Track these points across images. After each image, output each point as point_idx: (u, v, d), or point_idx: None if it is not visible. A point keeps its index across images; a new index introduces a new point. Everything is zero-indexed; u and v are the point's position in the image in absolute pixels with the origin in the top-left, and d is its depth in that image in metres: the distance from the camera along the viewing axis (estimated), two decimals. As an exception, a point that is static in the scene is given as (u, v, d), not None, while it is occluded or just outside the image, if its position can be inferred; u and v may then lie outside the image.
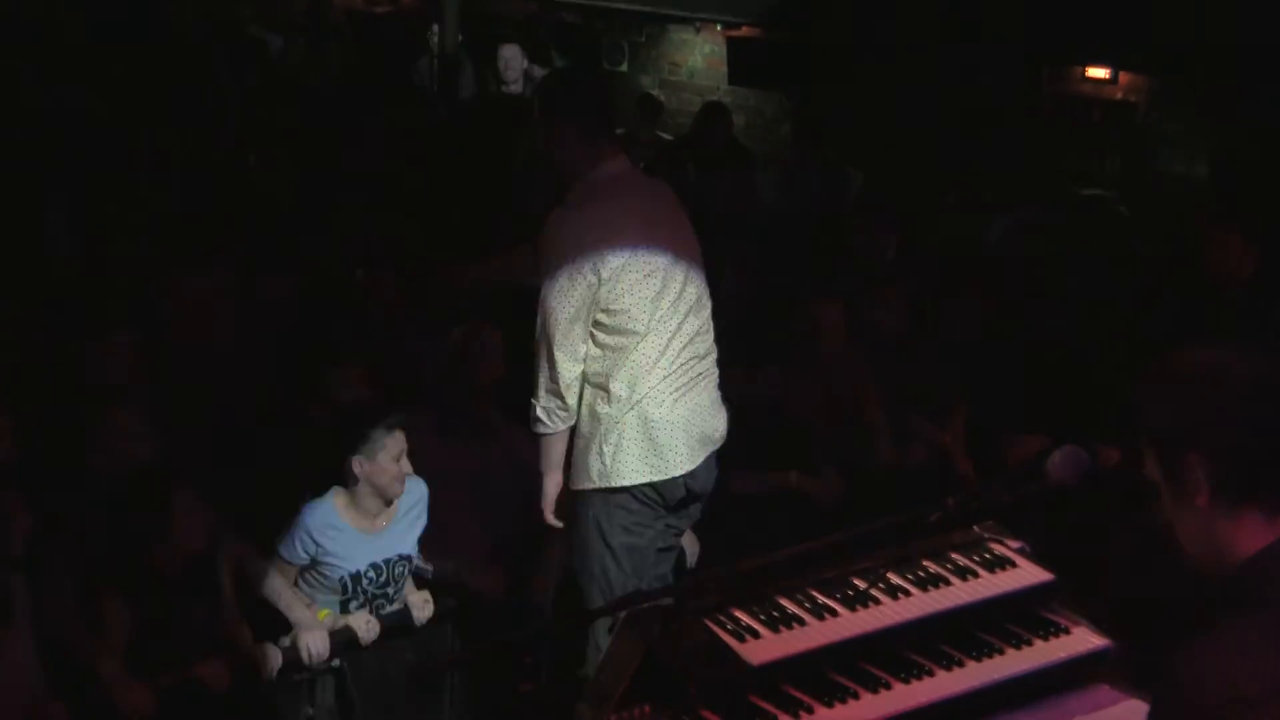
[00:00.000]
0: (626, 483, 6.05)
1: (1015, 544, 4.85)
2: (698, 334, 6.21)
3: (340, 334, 8.28)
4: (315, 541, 6.71)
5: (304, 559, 6.75)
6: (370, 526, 6.83)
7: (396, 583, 6.92)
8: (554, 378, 6.02)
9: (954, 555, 4.78)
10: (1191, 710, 2.87)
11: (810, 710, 4.15)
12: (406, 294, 8.74)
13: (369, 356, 7.92)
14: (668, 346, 6.07)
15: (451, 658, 6.71)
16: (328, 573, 6.77)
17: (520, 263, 7.35)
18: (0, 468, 6.06)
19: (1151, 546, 5.78)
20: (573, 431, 6.15)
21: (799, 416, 8.23)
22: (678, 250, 6.14)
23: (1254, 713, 2.81)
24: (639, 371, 6.04)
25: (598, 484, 6.08)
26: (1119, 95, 12.19)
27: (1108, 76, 12.19)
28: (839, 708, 4.19)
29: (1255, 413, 3.04)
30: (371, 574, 6.82)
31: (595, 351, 6.06)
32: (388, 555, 6.88)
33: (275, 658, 6.53)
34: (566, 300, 5.94)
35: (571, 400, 6.06)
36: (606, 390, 6.06)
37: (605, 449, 6.05)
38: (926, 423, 8.58)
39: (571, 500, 6.20)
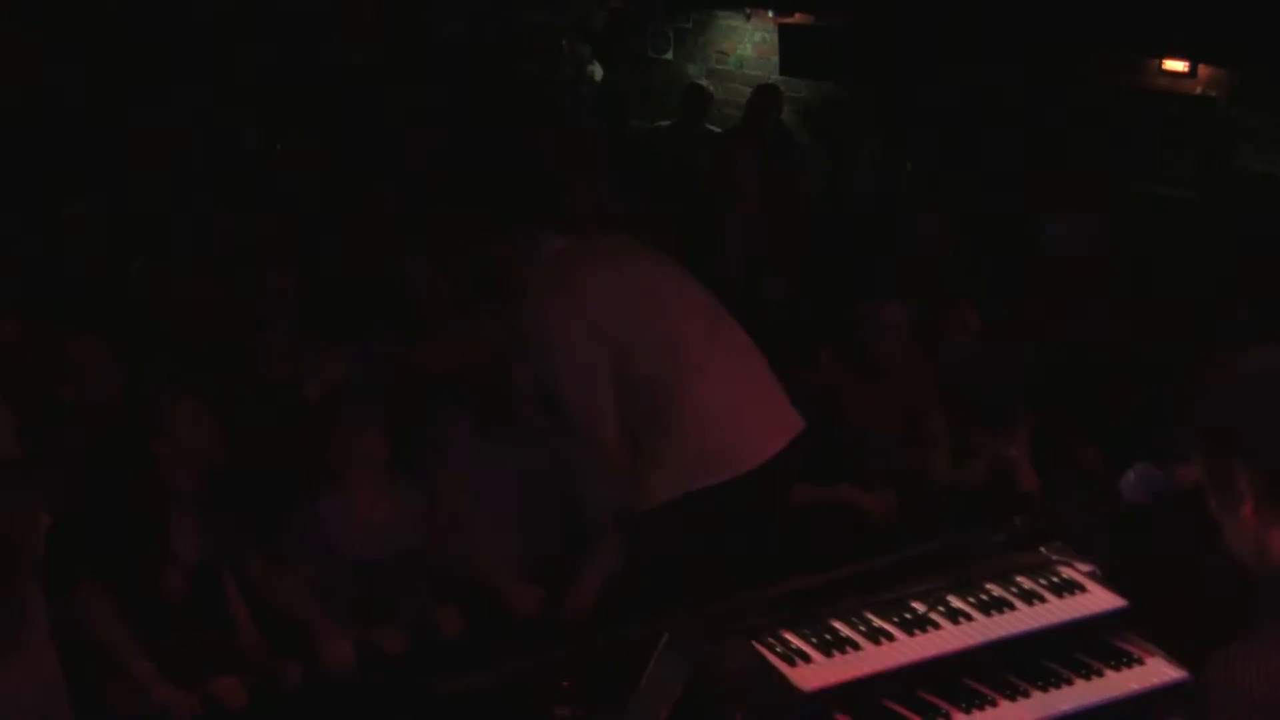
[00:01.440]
0: None
1: (1085, 567, 4.82)
2: None
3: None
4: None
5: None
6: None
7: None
8: None
9: (1019, 578, 4.75)
10: (1233, 709, 2.86)
11: (864, 740, 4.13)
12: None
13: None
14: None
15: (482, 679, 6.68)
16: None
17: None
18: (12, 464, 6.05)
19: (1230, 571, 5.73)
20: None
21: (853, 424, 8.18)
22: None
23: None
24: None
25: None
26: (1198, 89, 12.10)
27: (1185, 70, 12.11)
28: (895, 738, 4.17)
29: None
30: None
31: None
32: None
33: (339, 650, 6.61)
34: None
35: None
36: None
37: None
38: (990, 436, 8.52)
39: None
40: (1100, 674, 4.51)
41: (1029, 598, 4.67)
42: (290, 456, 7.27)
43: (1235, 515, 3.11)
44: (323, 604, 6.82)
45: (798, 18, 14.31)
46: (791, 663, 4.24)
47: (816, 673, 4.24)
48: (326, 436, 7.06)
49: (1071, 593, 4.72)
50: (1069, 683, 4.46)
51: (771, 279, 9.80)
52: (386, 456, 7.12)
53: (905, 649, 4.39)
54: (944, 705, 4.28)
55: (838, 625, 4.43)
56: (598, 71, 14.91)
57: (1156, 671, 4.57)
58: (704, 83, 15.24)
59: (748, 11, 15.13)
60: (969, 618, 4.55)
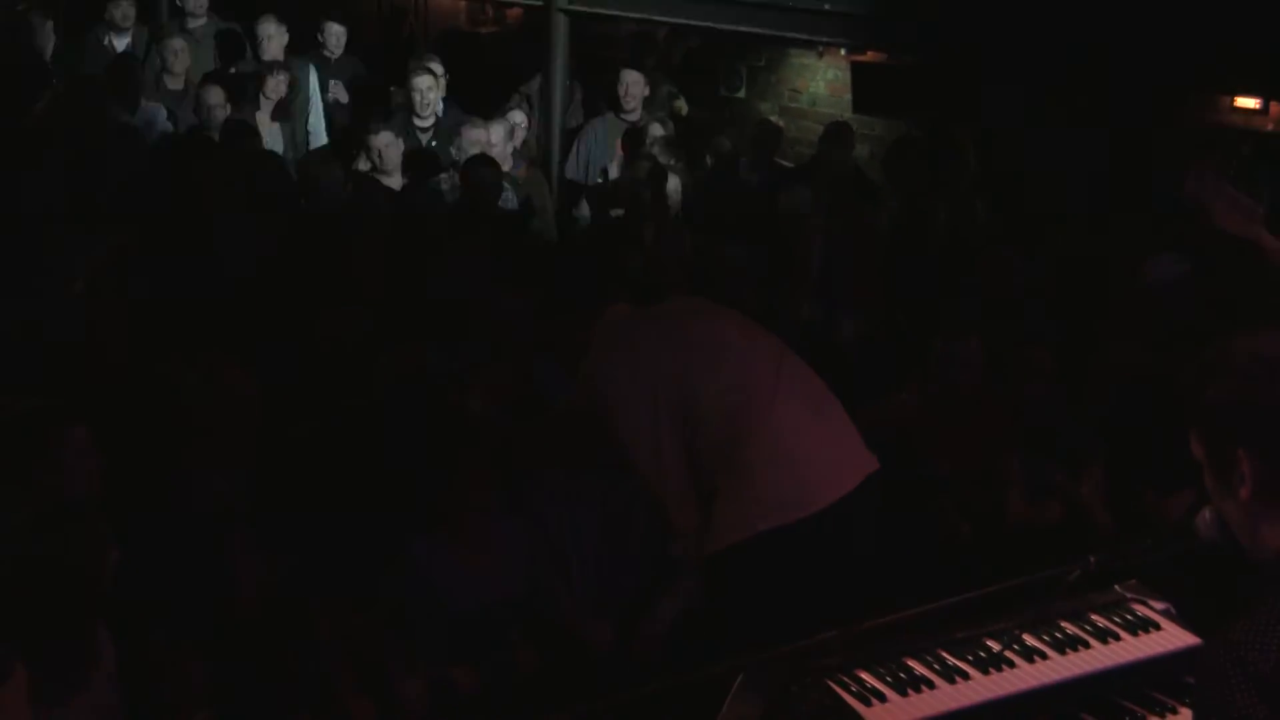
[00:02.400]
0: None
1: (1160, 605, 4.81)
2: None
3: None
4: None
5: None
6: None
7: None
8: None
9: (1094, 616, 4.75)
10: (1236, 680, 2.88)
11: (939, 779, 4.14)
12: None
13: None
14: None
15: (558, 716, 6.70)
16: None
17: None
18: (86, 498, 6.10)
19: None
20: None
21: (929, 461, 8.18)
22: None
23: None
24: None
25: None
26: (1270, 126, 12.06)
27: (1258, 107, 12.07)
28: (970, 777, 4.17)
29: None
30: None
31: None
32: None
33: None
34: None
35: None
36: None
37: None
38: (1064, 475, 8.49)
39: None
40: (1175, 711, 4.49)
41: (1104, 636, 4.66)
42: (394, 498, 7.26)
43: (1233, 498, 3.14)
44: (404, 644, 6.83)
45: (870, 55, 14.32)
46: (867, 702, 4.25)
47: (891, 712, 4.24)
48: (439, 478, 7.04)
49: (1146, 631, 4.71)
50: (1144, 721, 4.46)
51: (847, 319, 9.83)
52: (492, 501, 7.07)
53: (980, 688, 4.39)
54: (1019, 744, 4.29)
55: (912, 664, 4.44)
56: (684, 107, 14.87)
57: (1233, 711, 4.56)
58: (775, 119, 15.26)
59: (820, 49, 15.13)
60: (1044, 656, 4.55)
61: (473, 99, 13.99)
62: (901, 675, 4.38)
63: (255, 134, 11.94)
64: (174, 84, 13.50)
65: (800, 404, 6.38)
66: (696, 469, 6.30)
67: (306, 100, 13.52)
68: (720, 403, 6.28)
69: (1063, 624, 4.68)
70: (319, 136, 13.42)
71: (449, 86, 13.66)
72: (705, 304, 6.92)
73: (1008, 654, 4.50)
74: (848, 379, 7.47)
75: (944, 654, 4.50)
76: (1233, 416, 3.14)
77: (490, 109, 13.32)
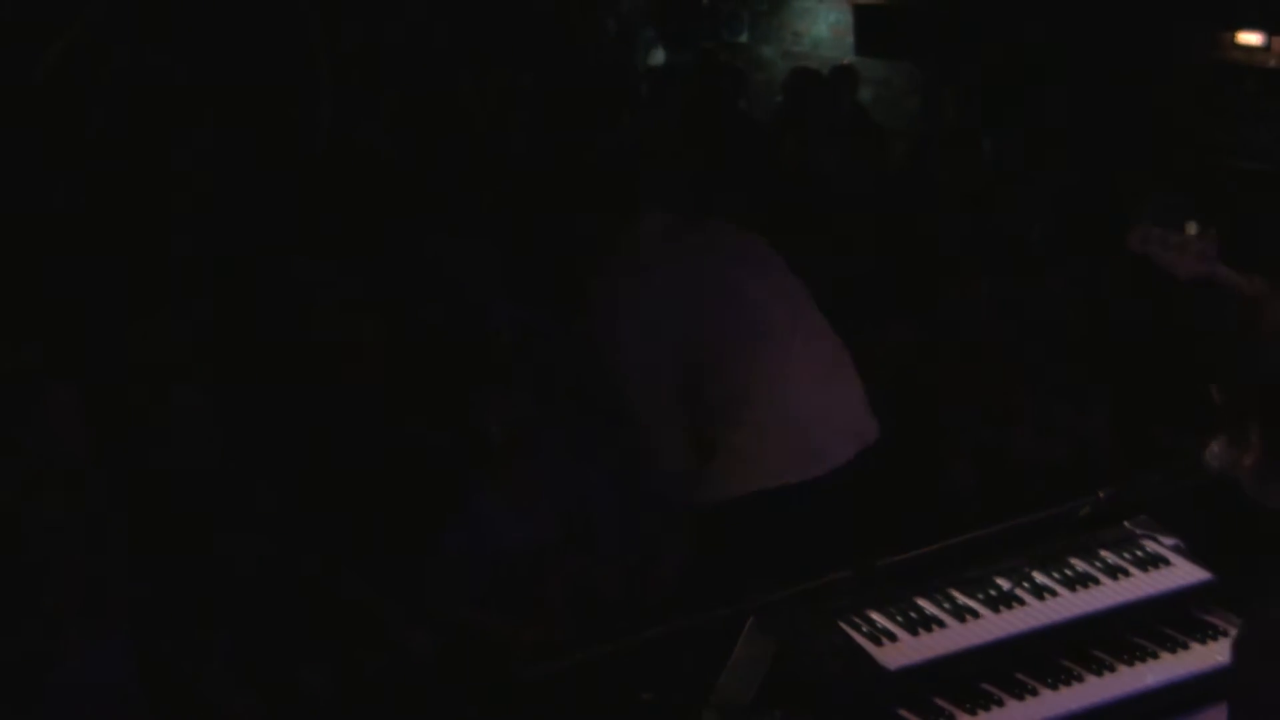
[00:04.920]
0: None
1: (1170, 540, 4.81)
2: None
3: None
4: None
5: None
6: None
7: None
8: None
9: (1104, 553, 4.74)
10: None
11: (951, 717, 4.13)
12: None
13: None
14: None
15: (565, 663, 6.71)
16: None
17: None
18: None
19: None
20: None
21: (935, 400, 8.18)
22: None
23: None
24: None
25: None
26: (1272, 63, 12.02)
27: (1261, 43, 12.02)
28: (982, 715, 4.17)
29: None
30: None
31: None
32: None
33: None
34: None
35: None
36: None
37: None
38: (1069, 410, 8.49)
39: None
40: (1186, 647, 4.50)
41: (1114, 572, 4.66)
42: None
43: (1242, 462, 3.15)
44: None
45: (872, -3, 14.31)
46: (878, 642, 4.25)
47: (903, 651, 4.24)
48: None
49: (1156, 566, 4.71)
50: (1155, 656, 4.45)
51: (857, 256, 9.82)
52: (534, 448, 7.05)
53: (991, 626, 4.39)
54: (1030, 681, 4.28)
55: (923, 604, 4.44)
56: (658, 56, 14.84)
57: (1243, 644, 4.56)
58: (779, 62, 15.22)
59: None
60: (1054, 593, 4.55)
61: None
62: (912, 615, 4.38)
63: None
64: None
65: (813, 364, 6.33)
66: (696, 416, 6.28)
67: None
68: (732, 356, 6.25)
69: (1072, 561, 4.68)
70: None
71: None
72: (735, 237, 6.76)
73: (1018, 592, 4.50)
74: (857, 315, 7.51)
75: (954, 593, 4.50)
76: (1249, 381, 3.15)
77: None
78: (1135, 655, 4.44)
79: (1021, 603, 4.48)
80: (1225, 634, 4.56)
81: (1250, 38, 12.06)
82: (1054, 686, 4.27)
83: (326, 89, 11.59)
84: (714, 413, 6.27)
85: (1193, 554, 4.77)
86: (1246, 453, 3.15)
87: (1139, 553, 4.76)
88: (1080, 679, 4.33)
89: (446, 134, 11.17)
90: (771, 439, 6.18)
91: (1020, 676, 4.30)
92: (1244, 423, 3.14)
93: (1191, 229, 6.16)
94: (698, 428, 6.29)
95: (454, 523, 6.82)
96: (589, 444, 7.24)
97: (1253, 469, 3.16)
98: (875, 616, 4.35)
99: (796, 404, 6.20)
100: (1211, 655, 4.49)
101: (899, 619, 4.35)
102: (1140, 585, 4.64)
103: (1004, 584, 4.52)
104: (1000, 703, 4.19)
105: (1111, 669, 4.37)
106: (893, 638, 4.27)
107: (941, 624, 4.37)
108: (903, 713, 4.13)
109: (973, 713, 4.15)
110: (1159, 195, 9.65)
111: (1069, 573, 4.63)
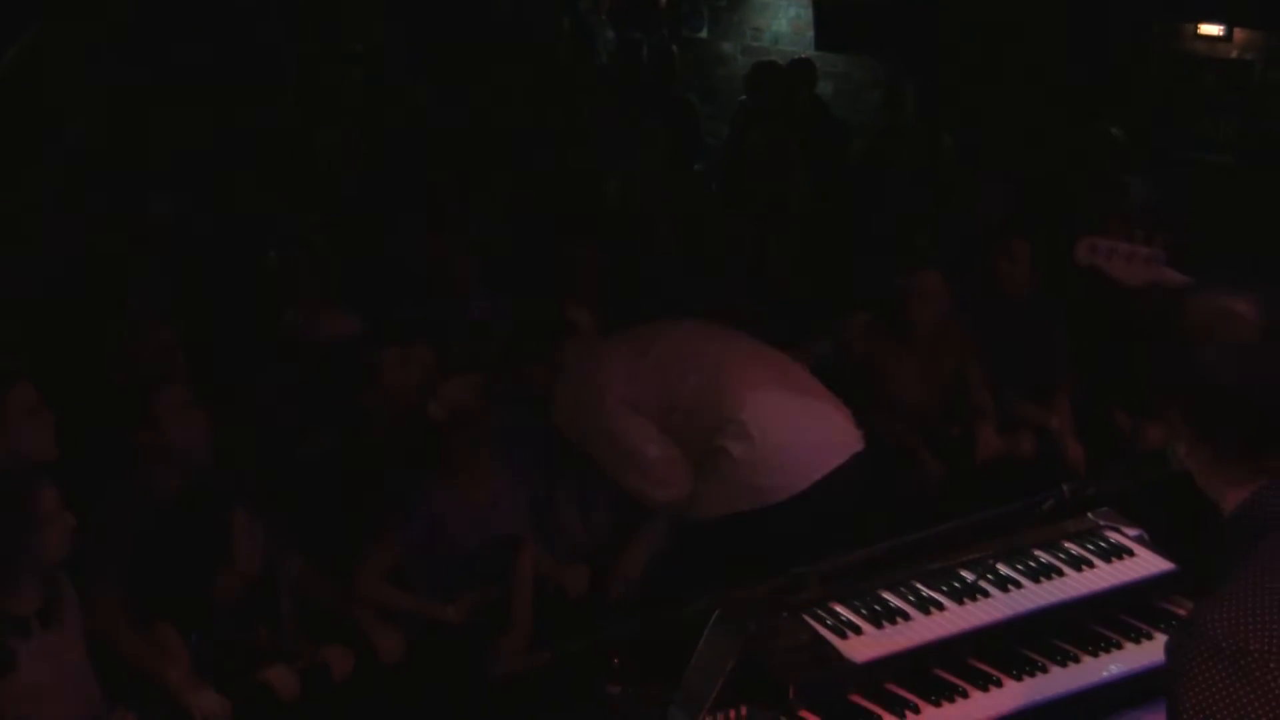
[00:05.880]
0: None
1: (1133, 532, 4.84)
2: None
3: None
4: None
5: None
6: None
7: None
8: None
9: (1068, 544, 4.77)
10: (1207, 659, 2.89)
11: (916, 710, 4.15)
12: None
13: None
14: None
15: (536, 659, 6.71)
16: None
17: None
18: (41, 467, 6.07)
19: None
20: None
21: (897, 396, 8.19)
22: None
23: (1260, 667, 2.82)
24: None
25: None
26: (1234, 54, 12.05)
27: (1221, 34, 12.06)
28: (946, 707, 4.18)
29: (1232, 365, 3.08)
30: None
31: None
32: None
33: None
34: None
35: None
36: None
37: None
38: (1031, 405, 8.51)
39: None
40: (1150, 637, 4.52)
41: (1077, 563, 4.68)
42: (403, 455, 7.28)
43: (1202, 463, 3.18)
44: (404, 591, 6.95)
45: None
46: (842, 635, 4.27)
47: (867, 644, 4.26)
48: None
49: (1120, 557, 4.73)
50: (1119, 646, 4.47)
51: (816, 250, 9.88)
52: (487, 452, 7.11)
53: (955, 618, 4.41)
54: (995, 672, 4.29)
55: (888, 596, 4.46)
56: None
57: (1207, 634, 4.58)
58: (739, 58, 15.23)
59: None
60: (1018, 585, 4.56)
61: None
62: (877, 608, 4.39)
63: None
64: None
65: (778, 391, 6.65)
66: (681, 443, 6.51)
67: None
68: (697, 394, 6.58)
69: (1036, 552, 4.70)
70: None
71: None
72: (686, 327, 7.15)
73: (982, 584, 4.52)
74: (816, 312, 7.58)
75: (919, 585, 4.51)
76: (1166, 368, 3.19)
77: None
78: (1099, 645, 4.46)
79: (986, 594, 4.50)
80: (1189, 624, 4.60)
81: (1211, 28, 12.09)
82: (1018, 677, 4.29)
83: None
84: (692, 446, 6.48)
85: (1155, 544, 4.80)
86: (1179, 440, 3.18)
87: (1102, 544, 4.78)
88: (1044, 669, 4.35)
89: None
90: (743, 466, 6.46)
91: (984, 667, 4.31)
92: (1168, 408, 3.18)
93: (1138, 236, 6.24)
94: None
95: (412, 519, 6.85)
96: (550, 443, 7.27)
97: (1187, 458, 3.20)
98: (840, 609, 4.36)
99: (765, 427, 6.43)
100: (1175, 645, 4.52)
101: (863, 612, 4.36)
102: (1103, 576, 4.66)
103: (968, 576, 4.54)
104: (965, 694, 4.21)
105: (1075, 659, 4.39)
106: (857, 630, 4.29)
107: (906, 616, 4.38)
108: (867, 704, 4.15)
109: (937, 704, 4.16)
110: (1108, 192, 9.72)
111: (1033, 564, 4.65)
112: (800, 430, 6.59)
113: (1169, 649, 2.99)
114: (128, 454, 6.51)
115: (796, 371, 6.94)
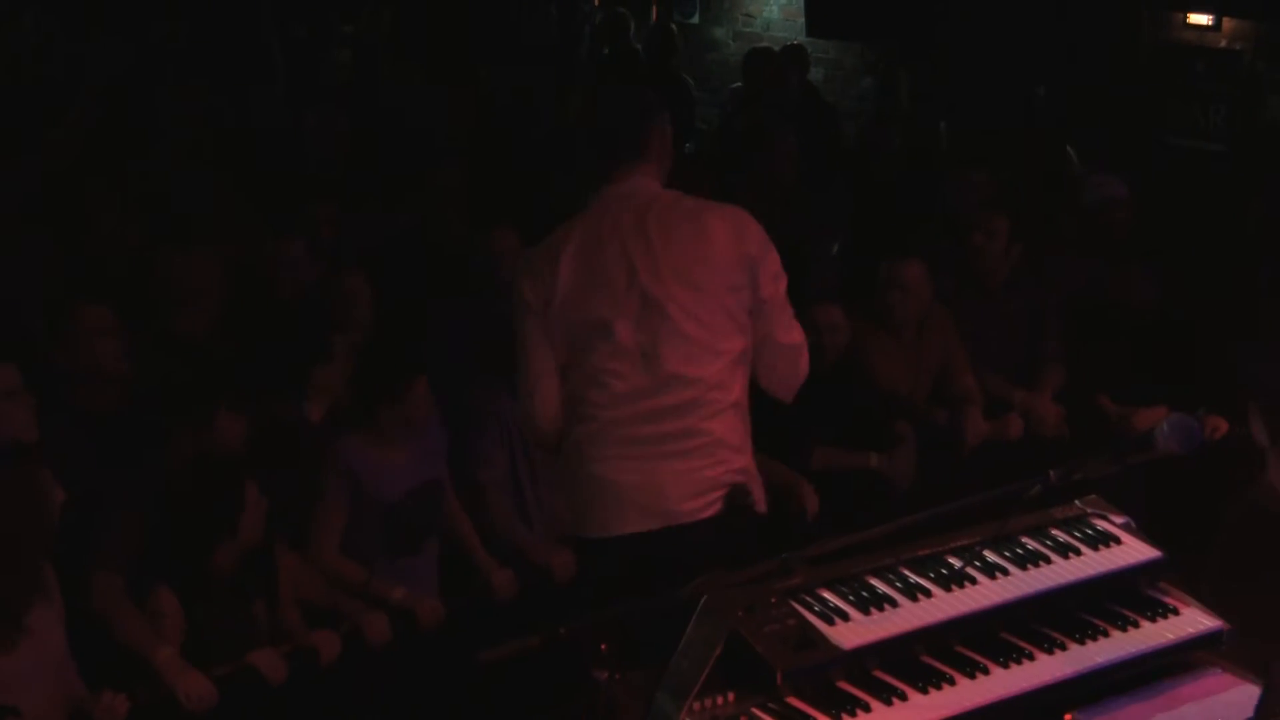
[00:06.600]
0: None
1: (1120, 519, 4.83)
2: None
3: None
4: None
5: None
6: None
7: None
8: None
9: (1054, 531, 4.77)
10: None
11: (904, 696, 4.15)
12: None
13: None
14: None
15: (521, 644, 6.71)
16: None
17: None
18: (24, 446, 6.08)
19: (1264, 521, 5.76)
20: None
21: (882, 384, 8.19)
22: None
23: None
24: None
25: None
26: (1223, 43, 12.07)
27: (1210, 23, 12.08)
28: (934, 694, 4.18)
29: None
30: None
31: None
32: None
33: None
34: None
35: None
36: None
37: None
38: (1021, 392, 8.52)
39: None
40: (1136, 625, 4.53)
41: (1064, 551, 4.68)
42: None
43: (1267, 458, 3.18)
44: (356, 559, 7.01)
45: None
46: (830, 621, 4.26)
47: (855, 630, 4.25)
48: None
49: (1107, 545, 4.73)
50: (1105, 634, 4.48)
51: (816, 239, 9.85)
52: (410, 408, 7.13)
53: (943, 605, 4.40)
54: (982, 659, 4.30)
55: (875, 583, 4.45)
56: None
57: (1192, 621, 4.59)
58: (730, 44, 15.23)
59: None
60: (1005, 572, 4.56)
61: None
62: (864, 594, 4.39)
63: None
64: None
65: (641, 426, 5.54)
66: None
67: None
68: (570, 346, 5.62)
69: (1023, 540, 4.70)
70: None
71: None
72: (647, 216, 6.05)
73: (969, 570, 4.51)
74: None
75: (906, 572, 4.51)
76: (1244, 373, 3.22)
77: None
78: (1086, 633, 4.46)
79: (973, 581, 4.50)
80: (1175, 611, 4.61)
81: (1200, 18, 12.11)
82: (1005, 664, 4.29)
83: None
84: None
85: (1143, 532, 4.80)
86: (1262, 443, 3.20)
87: (1089, 531, 4.78)
88: (1031, 657, 4.35)
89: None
90: (583, 489, 5.63)
91: (972, 655, 4.32)
92: (1249, 412, 3.19)
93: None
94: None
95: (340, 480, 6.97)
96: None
97: (1269, 454, 3.21)
98: (827, 595, 4.35)
99: (605, 456, 5.59)
100: (1161, 633, 4.53)
101: (851, 598, 4.35)
102: (1091, 563, 4.66)
103: (955, 562, 4.54)
104: (952, 681, 4.21)
105: (1063, 647, 4.39)
106: (845, 617, 4.28)
107: (893, 602, 4.38)
108: (854, 691, 4.15)
109: (924, 691, 4.17)
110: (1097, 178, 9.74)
111: (1020, 551, 4.64)
112: (642, 475, 5.54)
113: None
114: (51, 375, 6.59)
115: (687, 392, 5.53)
